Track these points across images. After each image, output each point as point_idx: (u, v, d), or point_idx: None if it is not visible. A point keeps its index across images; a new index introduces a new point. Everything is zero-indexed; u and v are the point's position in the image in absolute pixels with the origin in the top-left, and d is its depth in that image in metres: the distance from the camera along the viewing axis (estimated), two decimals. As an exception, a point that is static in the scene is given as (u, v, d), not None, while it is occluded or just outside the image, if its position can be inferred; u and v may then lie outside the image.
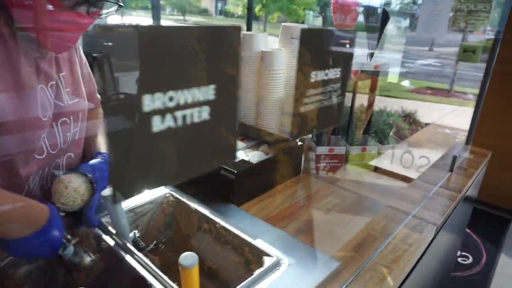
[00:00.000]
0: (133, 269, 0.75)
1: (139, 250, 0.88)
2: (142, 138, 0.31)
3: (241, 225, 0.92)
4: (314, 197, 1.14)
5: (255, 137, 1.35)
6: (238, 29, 0.39)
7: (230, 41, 0.38)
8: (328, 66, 0.49)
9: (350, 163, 1.32)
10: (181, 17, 20.27)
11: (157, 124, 0.32)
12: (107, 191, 0.81)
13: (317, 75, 0.47)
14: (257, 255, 0.84)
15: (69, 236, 0.77)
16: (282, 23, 1.33)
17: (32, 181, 0.87)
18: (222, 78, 0.37)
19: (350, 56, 0.54)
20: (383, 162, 1.56)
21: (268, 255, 0.82)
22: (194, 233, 1.00)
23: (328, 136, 1.32)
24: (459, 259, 2.77)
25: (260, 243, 0.85)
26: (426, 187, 1.27)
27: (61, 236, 0.73)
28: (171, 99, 0.32)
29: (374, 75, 1.35)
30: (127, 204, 0.97)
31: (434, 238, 1.05)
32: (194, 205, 1.00)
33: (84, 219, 0.83)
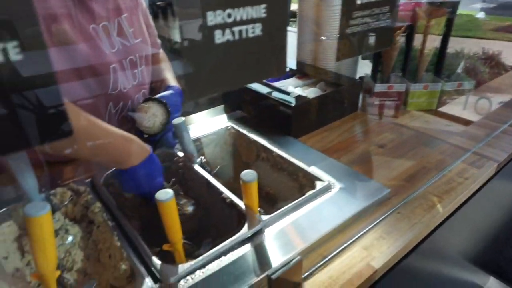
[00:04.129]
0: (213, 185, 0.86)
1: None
2: (206, 49, 0.37)
3: (297, 154, 0.99)
4: (369, 132, 1.16)
5: (312, 75, 1.37)
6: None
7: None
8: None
9: (410, 101, 1.29)
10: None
11: (218, 37, 0.38)
12: (177, 120, 0.92)
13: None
14: (310, 180, 0.91)
15: (169, 187, 0.87)
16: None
17: (115, 115, 1.01)
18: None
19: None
20: (455, 109, 1.48)
21: (320, 179, 0.89)
22: (253, 161, 1.10)
23: (387, 73, 1.29)
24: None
25: (313, 170, 0.92)
26: (493, 125, 1.22)
27: (161, 175, 0.83)
28: (229, 15, 0.38)
29: (443, 7, 1.26)
30: (193, 134, 1.09)
31: (494, 175, 1.03)
32: (253, 136, 1.09)
33: (163, 142, 0.96)
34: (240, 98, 1.25)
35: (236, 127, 1.14)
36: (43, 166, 0.96)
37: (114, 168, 0.93)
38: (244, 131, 1.11)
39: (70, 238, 0.84)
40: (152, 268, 0.66)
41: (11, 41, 0.26)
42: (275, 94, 1.15)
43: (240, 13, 0.39)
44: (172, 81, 1.12)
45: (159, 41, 1.19)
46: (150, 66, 1.08)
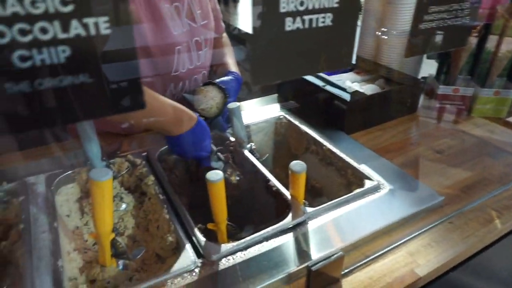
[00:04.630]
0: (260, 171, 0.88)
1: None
2: (276, 35, 0.38)
3: (348, 150, 0.97)
4: (427, 136, 1.10)
5: (371, 71, 1.33)
6: None
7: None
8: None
9: (476, 107, 1.21)
10: None
11: (289, 25, 0.38)
12: (233, 105, 0.94)
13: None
14: (359, 178, 0.89)
15: (220, 153, 0.91)
16: None
17: (176, 92, 1.05)
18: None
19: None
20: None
21: (369, 178, 0.86)
22: (302, 153, 1.09)
23: (454, 75, 1.21)
24: None
25: (363, 168, 0.90)
26: None
27: (209, 138, 0.86)
28: (301, 3, 0.38)
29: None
30: (245, 120, 1.10)
31: None
32: (305, 128, 1.08)
33: (216, 125, 0.99)
34: (295, 88, 1.25)
35: (288, 117, 1.14)
36: (106, 136, 1.04)
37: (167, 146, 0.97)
38: (296, 122, 1.11)
39: (123, 206, 0.90)
40: (197, 244, 0.69)
41: (102, 16, 0.29)
42: (331, 88, 1.13)
43: (313, 2, 0.39)
44: (232, 66, 1.13)
45: (223, 25, 1.21)
46: (212, 49, 1.10)
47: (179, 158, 0.99)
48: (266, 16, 0.36)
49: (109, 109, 0.33)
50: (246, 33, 2.15)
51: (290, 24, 0.38)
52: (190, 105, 0.98)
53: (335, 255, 0.62)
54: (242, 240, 0.68)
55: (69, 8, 0.28)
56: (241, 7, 2.89)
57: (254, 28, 0.36)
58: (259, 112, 1.18)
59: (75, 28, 0.29)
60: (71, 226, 0.83)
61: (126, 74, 0.32)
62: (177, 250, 0.72)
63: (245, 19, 2.47)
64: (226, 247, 0.67)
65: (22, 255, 0.69)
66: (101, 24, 0.29)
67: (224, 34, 1.24)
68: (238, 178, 0.91)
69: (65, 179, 0.88)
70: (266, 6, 0.35)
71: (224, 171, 0.88)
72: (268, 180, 0.84)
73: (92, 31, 0.29)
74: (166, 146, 0.97)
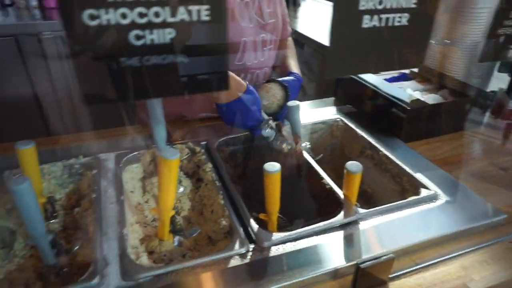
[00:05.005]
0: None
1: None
2: (353, 31, 0.40)
3: (404, 158, 0.96)
4: (491, 153, 1.05)
5: (435, 81, 1.28)
6: None
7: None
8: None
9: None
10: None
11: (366, 22, 0.40)
12: (293, 103, 0.97)
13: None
14: (415, 186, 0.88)
15: (271, 121, 0.93)
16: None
17: None
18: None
19: None
20: None
21: (425, 187, 0.85)
22: (356, 156, 1.09)
23: (529, 90, 1.14)
24: None
25: (420, 177, 0.88)
26: None
27: (258, 106, 0.88)
28: (380, 2, 0.40)
29: None
30: (303, 120, 1.12)
31: None
32: (361, 132, 1.08)
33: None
34: (352, 93, 1.25)
35: (345, 120, 1.15)
36: (171, 123, 1.11)
37: (226, 137, 1.02)
38: (352, 126, 1.11)
39: (181, 189, 0.96)
40: (250, 230, 0.72)
41: (204, 5, 0.33)
42: (389, 95, 1.11)
43: (391, 1, 0.40)
44: (294, 67, 1.17)
45: (290, 29, 1.25)
46: (277, 49, 1.15)
47: (236, 150, 1.04)
48: (345, 12, 0.38)
49: (199, 88, 0.37)
50: (303, 35, 2.18)
51: (367, 22, 0.40)
52: None
53: (385, 256, 0.62)
54: (294, 231, 0.70)
55: (179, -4, 0.32)
56: (302, 11, 2.92)
57: (332, 22, 0.38)
58: (316, 113, 1.20)
59: (181, 14, 0.33)
60: (134, 202, 0.90)
61: (218, 58, 0.36)
62: (229, 234, 0.76)
63: (305, 22, 2.49)
64: (277, 235, 0.70)
65: (92, 222, 0.77)
66: (202, 12, 0.34)
67: (289, 38, 1.28)
68: (289, 147, 0.93)
69: (131, 158, 0.96)
70: (347, 3, 0.38)
71: (276, 139, 0.91)
72: (322, 178, 0.85)
73: (194, 17, 0.34)
74: (225, 138, 1.02)
